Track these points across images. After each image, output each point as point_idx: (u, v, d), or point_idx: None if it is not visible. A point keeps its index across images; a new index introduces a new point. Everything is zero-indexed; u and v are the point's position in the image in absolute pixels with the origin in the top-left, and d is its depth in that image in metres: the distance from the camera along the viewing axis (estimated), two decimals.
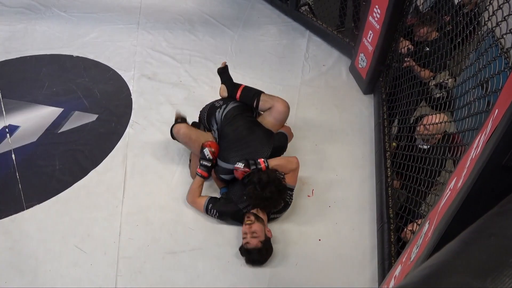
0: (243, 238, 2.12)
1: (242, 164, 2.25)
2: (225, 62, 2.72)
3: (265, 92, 2.61)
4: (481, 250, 0.41)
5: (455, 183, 0.99)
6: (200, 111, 2.68)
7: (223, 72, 2.69)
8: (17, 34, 3.89)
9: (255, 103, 2.54)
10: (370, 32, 3.17)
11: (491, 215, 0.48)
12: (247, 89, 2.61)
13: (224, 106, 2.53)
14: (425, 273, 0.39)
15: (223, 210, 2.29)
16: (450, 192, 0.99)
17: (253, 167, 2.24)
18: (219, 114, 2.51)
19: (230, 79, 2.68)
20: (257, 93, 2.57)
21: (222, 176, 2.39)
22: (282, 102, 2.52)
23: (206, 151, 2.37)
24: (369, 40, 3.21)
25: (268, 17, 4.43)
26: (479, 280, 0.36)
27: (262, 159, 2.29)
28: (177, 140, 2.54)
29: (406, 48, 2.91)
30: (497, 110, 0.84)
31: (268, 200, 2.15)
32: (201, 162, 2.38)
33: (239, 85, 2.64)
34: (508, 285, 0.34)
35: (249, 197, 2.17)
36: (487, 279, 0.35)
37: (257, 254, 2.08)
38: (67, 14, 4.22)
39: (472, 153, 0.92)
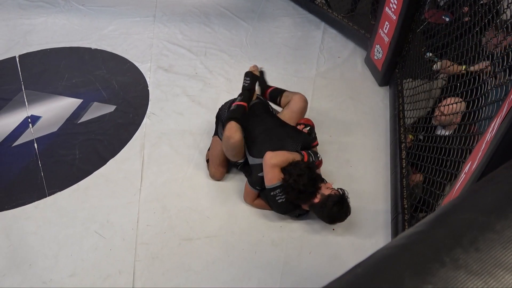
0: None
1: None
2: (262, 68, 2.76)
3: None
4: (487, 194, 0.43)
5: (470, 167, 1.00)
6: (220, 109, 2.60)
7: (260, 77, 2.70)
8: (37, 28, 4.00)
9: (278, 100, 2.63)
10: (387, 23, 3.15)
11: (500, 169, 0.51)
12: (277, 91, 2.69)
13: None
14: (437, 213, 0.42)
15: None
16: (464, 175, 1.00)
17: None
18: None
19: (265, 81, 2.77)
20: (281, 91, 2.67)
21: (260, 174, 2.22)
22: (300, 95, 2.58)
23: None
24: (385, 31, 3.18)
25: (283, 9, 4.43)
26: (484, 215, 0.38)
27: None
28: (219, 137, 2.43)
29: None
30: None
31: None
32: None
33: (270, 86, 2.75)
34: (511, 220, 0.36)
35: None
36: (492, 215, 0.38)
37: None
38: (85, 8, 4.31)
39: (488, 136, 0.93)
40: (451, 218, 0.40)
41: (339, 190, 2.13)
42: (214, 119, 2.64)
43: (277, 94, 2.65)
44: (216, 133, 2.59)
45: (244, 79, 2.55)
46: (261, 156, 2.20)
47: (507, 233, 0.35)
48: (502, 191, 0.43)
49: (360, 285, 0.32)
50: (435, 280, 0.31)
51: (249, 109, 2.42)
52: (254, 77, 2.55)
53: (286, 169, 2.13)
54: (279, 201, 2.17)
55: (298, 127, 2.48)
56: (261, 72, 2.71)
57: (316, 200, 2.10)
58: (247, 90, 2.49)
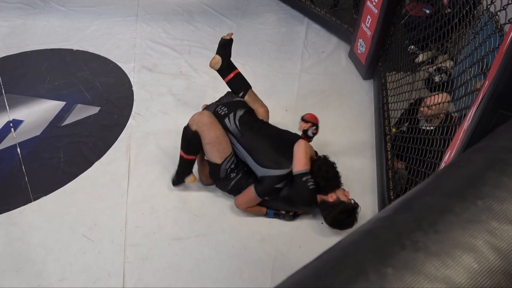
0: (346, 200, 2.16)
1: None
2: (232, 34, 2.52)
3: (252, 89, 2.54)
4: (449, 178, 0.45)
5: (449, 156, 1.02)
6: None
7: (225, 45, 2.50)
8: (16, 30, 3.92)
9: (241, 95, 2.49)
10: (368, 17, 3.17)
11: (463, 154, 0.53)
12: (239, 77, 2.52)
13: (232, 113, 2.32)
14: (401, 199, 0.44)
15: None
16: (444, 164, 1.02)
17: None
18: (231, 124, 2.29)
19: (229, 55, 2.53)
20: (246, 87, 2.51)
21: (277, 185, 2.17)
22: (263, 109, 2.51)
23: None
24: (368, 25, 3.21)
25: (266, 6, 4.43)
26: (444, 198, 0.40)
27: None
28: (190, 128, 2.26)
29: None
30: (487, 82, 0.87)
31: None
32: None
33: (234, 68, 2.54)
34: (470, 202, 0.38)
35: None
36: (452, 197, 0.40)
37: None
38: (66, 8, 4.24)
39: (465, 124, 0.95)
40: (414, 202, 0.42)
41: (354, 202, 2.18)
42: None
43: (240, 87, 2.51)
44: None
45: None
46: (278, 167, 2.16)
47: (466, 215, 0.37)
48: (463, 174, 0.45)
49: (325, 270, 0.33)
50: (394, 262, 0.32)
51: (240, 121, 2.31)
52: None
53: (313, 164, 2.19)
54: (311, 187, 2.12)
55: (306, 125, 2.42)
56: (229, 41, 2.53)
57: (330, 200, 2.15)
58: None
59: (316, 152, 2.39)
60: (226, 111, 2.33)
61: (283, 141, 2.27)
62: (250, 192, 2.22)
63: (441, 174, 0.47)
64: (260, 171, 2.20)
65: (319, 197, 2.19)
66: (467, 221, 0.36)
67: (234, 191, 2.33)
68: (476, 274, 0.32)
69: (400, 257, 0.33)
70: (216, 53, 2.53)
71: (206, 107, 2.45)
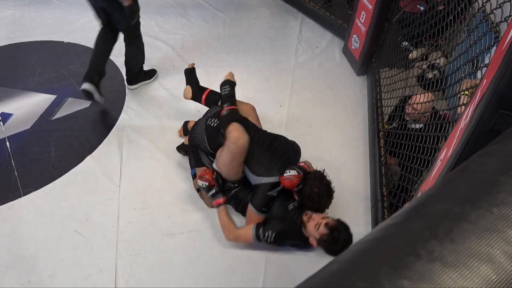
0: (317, 229, 1.93)
1: (295, 171, 2.04)
2: (193, 64, 2.69)
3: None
4: (462, 183, 0.44)
5: (445, 154, 1.02)
6: (194, 133, 2.32)
7: (190, 73, 2.66)
8: (5, 21, 3.83)
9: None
10: (363, 12, 3.17)
11: (473, 157, 0.52)
12: (214, 92, 2.55)
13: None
14: (413, 204, 0.43)
15: (283, 229, 2.05)
16: (440, 162, 1.02)
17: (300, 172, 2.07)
18: None
19: (197, 81, 2.65)
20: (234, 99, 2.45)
21: (270, 192, 2.10)
22: (248, 106, 2.44)
23: (201, 183, 2.17)
24: (362, 21, 3.20)
25: (260, 0, 4.39)
26: (459, 205, 0.40)
27: (302, 163, 2.16)
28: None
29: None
30: (485, 81, 0.86)
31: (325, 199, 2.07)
32: (207, 194, 2.21)
33: (205, 88, 2.59)
34: (485, 209, 0.38)
35: (313, 199, 2.02)
36: (466, 204, 0.39)
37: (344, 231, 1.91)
38: (56, 0, 4.15)
39: (462, 123, 0.95)
40: (426, 209, 0.41)
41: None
42: (193, 117, 2.58)
43: (219, 97, 2.44)
44: (200, 163, 2.37)
45: (223, 88, 2.39)
46: (270, 174, 2.09)
47: (482, 223, 0.37)
48: (476, 180, 0.44)
49: (336, 282, 0.32)
50: (410, 274, 0.31)
51: None
52: (233, 84, 2.42)
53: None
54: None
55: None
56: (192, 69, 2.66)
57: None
58: (230, 97, 2.35)
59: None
60: (217, 122, 2.25)
61: (278, 148, 2.19)
62: (250, 212, 2.14)
63: (453, 179, 0.46)
64: (253, 179, 2.14)
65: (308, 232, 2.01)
66: (483, 229, 0.35)
67: (232, 201, 2.27)
68: (494, 285, 0.31)
69: (416, 268, 0.32)
70: (186, 84, 2.66)
71: (194, 125, 2.37)
